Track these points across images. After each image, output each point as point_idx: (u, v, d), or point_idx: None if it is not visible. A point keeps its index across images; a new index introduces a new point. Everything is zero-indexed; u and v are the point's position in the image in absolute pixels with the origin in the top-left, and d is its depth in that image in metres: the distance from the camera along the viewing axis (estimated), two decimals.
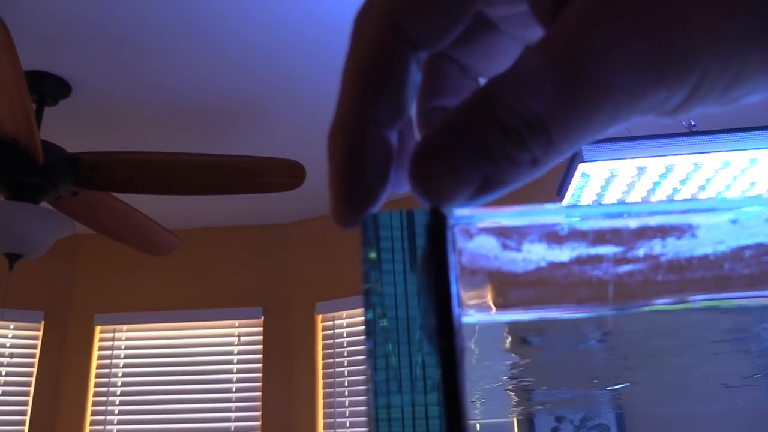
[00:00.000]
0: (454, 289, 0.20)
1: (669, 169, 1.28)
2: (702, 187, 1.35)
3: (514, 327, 0.22)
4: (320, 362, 3.19)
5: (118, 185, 2.12)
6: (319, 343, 3.22)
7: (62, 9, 1.85)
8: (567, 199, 1.39)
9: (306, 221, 3.43)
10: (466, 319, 0.21)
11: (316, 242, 3.38)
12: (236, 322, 3.33)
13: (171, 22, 1.92)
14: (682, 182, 1.33)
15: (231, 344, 3.31)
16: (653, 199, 1.37)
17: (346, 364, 3.13)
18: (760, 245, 0.22)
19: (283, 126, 2.54)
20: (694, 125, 1.34)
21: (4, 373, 3.18)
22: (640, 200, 1.39)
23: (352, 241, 3.26)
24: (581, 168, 1.28)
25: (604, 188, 1.35)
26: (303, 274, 3.35)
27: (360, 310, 3.13)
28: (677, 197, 1.36)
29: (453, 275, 0.20)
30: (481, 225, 0.21)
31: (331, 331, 3.21)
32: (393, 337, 0.20)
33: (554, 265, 0.21)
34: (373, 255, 0.22)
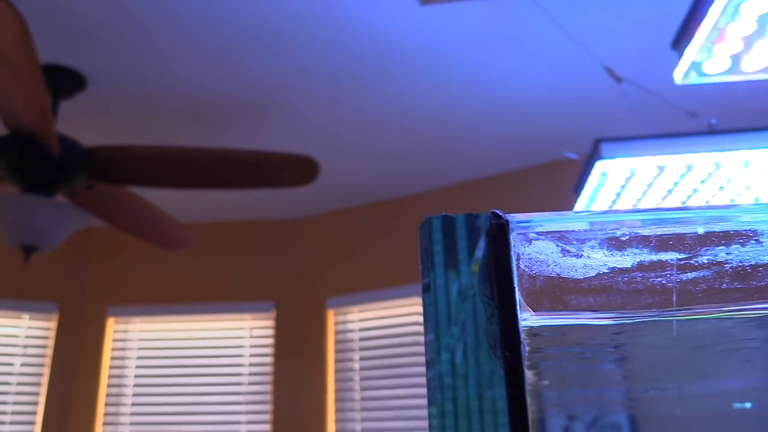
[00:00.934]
0: (517, 296, 0.19)
1: (689, 168, 1.27)
2: (722, 187, 1.34)
3: (570, 330, 0.22)
4: (331, 357, 3.19)
5: (133, 179, 2.13)
6: (331, 338, 3.22)
7: (78, 3, 1.86)
8: (584, 198, 1.38)
9: (318, 216, 3.43)
10: (524, 323, 0.20)
11: (328, 237, 3.38)
12: (248, 316, 3.34)
13: (187, 17, 1.92)
14: (702, 182, 1.31)
15: (242, 338, 3.32)
16: (672, 199, 1.36)
17: (357, 359, 3.13)
18: None
19: (296, 122, 2.54)
20: (715, 124, 1.32)
21: (18, 364, 3.20)
22: (657, 205, 1.38)
23: (365, 236, 3.27)
24: (599, 166, 1.27)
25: (622, 187, 1.33)
26: (315, 269, 3.36)
27: (371, 305, 3.14)
28: (696, 197, 1.35)
29: (516, 281, 0.19)
30: (540, 229, 0.21)
31: (343, 326, 3.22)
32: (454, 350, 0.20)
33: (616, 271, 0.20)
34: (436, 256, 0.21)
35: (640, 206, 1.40)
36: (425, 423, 2.88)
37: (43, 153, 1.94)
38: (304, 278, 3.36)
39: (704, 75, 0.96)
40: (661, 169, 1.26)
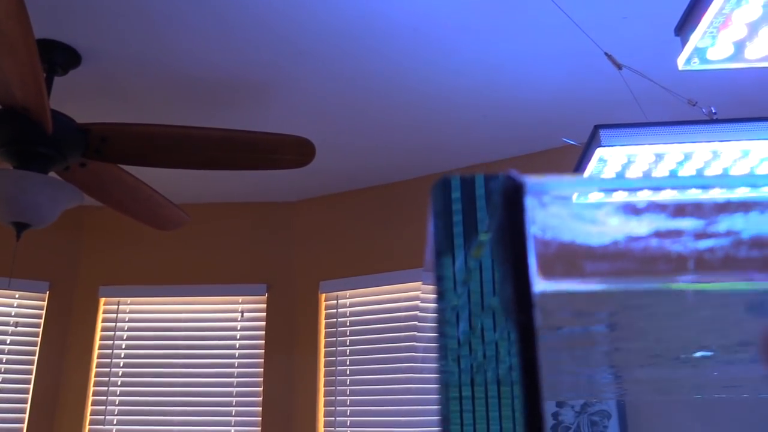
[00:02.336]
0: (531, 261, 0.19)
1: (687, 157, 1.27)
2: None
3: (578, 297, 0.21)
4: (322, 340, 3.20)
5: (128, 157, 2.11)
6: (322, 322, 3.23)
7: None
8: None
9: (312, 199, 3.42)
10: (538, 288, 0.20)
11: (321, 221, 3.37)
12: (240, 298, 3.34)
13: None
14: (700, 170, 1.31)
15: (234, 320, 3.32)
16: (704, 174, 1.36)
17: (348, 343, 3.14)
18: None
19: (293, 103, 2.52)
20: (715, 113, 1.32)
21: (8, 342, 3.19)
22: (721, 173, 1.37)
23: (359, 221, 3.26)
24: (598, 153, 1.27)
25: (620, 174, 1.33)
26: (308, 252, 3.35)
27: (363, 290, 3.14)
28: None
29: (530, 245, 0.19)
30: (555, 193, 0.21)
31: (334, 310, 3.22)
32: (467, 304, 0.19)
33: (631, 238, 0.20)
34: (456, 216, 0.21)
35: (639, 195, 1.40)
36: (414, 407, 2.89)
37: (36, 129, 1.92)
38: (297, 261, 3.36)
39: (707, 62, 0.96)
40: (659, 156, 1.25)
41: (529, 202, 0.20)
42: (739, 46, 0.93)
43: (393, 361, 2.99)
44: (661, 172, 1.29)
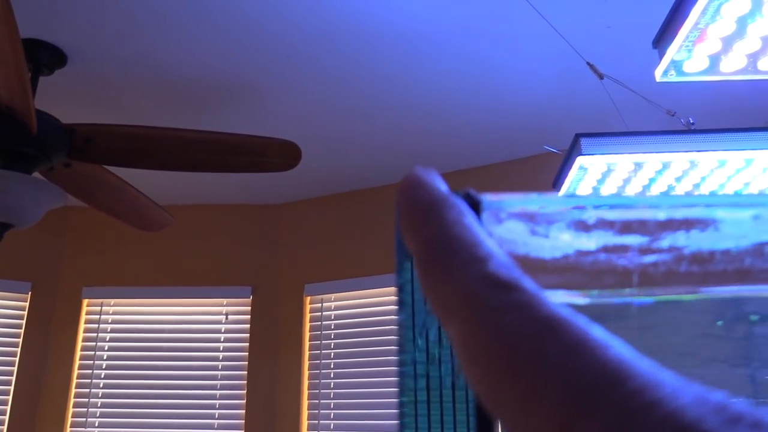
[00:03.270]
0: None
1: (665, 166, 1.29)
2: (697, 185, 1.36)
3: None
4: (307, 343, 3.20)
5: (112, 158, 2.11)
6: (307, 325, 3.23)
7: None
8: (563, 192, 1.40)
9: (298, 202, 3.43)
10: None
11: (307, 224, 3.38)
12: (224, 301, 3.33)
13: None
14: (678, 179, 1.34)
15: (218, 322, 3.31)
16: (649, 195, 1.38)
17: (332, 347, 3.14)
18: None
19: (279, 106, 2.53)
20: (693, 123, 1.35)
21: None
22: (665, 193, 1.40)
23: (344, 224, 3.27)
24: (579, 161, 1.29)
25: (600, 182, 1.35)
26: (293, 255, 3.36)
27: (348, 294, 3.15)
28: (672, 194, 1.37)
29: None
30: (510, 210, 0.22)
31: (319, 313, 3.22)
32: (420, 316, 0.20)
33: (581, 253, 0.21)
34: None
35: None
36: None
37: (21, 129, 1.91)
38: (282, 264, 3.36)
39: (684, 74, 0.98)
40: (638, 165, 1.28)
41: (486, 218, 0.21)
42: (715, 60, 0.95)
43: (377, 364, 3.00)
44: (639, 180, 1.32)
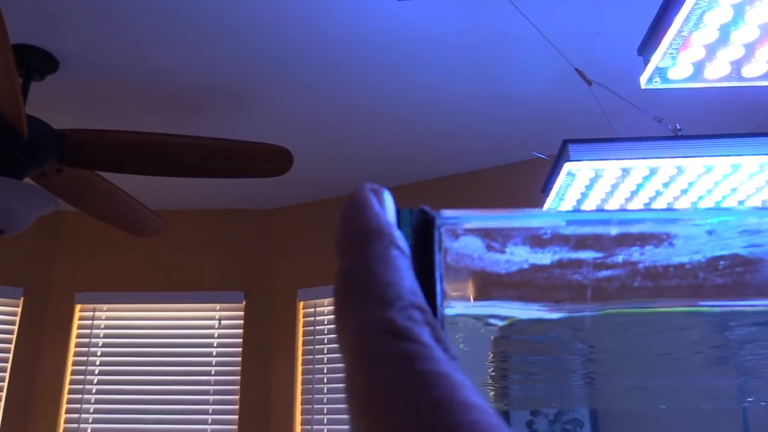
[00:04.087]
0: (438, 287, 0.20)
1: (653, 172, 1.30)
2: (684, 191, 1.37)
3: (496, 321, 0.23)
4: (300, 349, 3.20)
5: (104, 164, 2.11)
6: (300, 330, 3.23)
7: None
8: (551, 197, 1.40)
9: (291, 207, 3.43)
10: (448, 311, 0.22)
11: (300, 229, 3.38)
12: (217, 306, 3.33)
13: (163, 3, 1.90)
14: (665, 185, 1.34)
15: (211, 327, 3.31)
16: (636, 201, 1.39)
17: (325, 352, 3.14)
18: (734, 256, 0.23)
19: (271, 112, 2.53)
20: (680, 129, 1.35)
21: None
22: (621, 206, 1.40)
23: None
24: (567, 167, 1.29)
25: (588, 188, 1.36)
26: (286, 260, 3.35)
27: None
28: (660, 200, 1.38)
29: (438, 274, 0.21)
30: (467, 226, 0.22)
31: (312, 318, 3.22)
32: None
33: (536, 268, 0.22)
34: None
35: (605, 207, 1.43)
36: None
37: (12, 134, 1.91)
38: (276, 269, 3.36)
39: (668, 81, 0.99)
40: (625, 171, 1.28)
41: (443, 234, 0.22)
42: (699, 67, 0.96)
43: None
44: (627, 186, 1.32)
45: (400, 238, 0.21)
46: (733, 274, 0.22)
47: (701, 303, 0.23)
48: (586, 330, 0.22)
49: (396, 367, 0.17)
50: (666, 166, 1.25)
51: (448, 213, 0.22)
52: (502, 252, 0.22)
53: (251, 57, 2.17)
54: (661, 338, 0.25)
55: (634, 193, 1.37)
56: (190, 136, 2.09)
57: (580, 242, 0.22)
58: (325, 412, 3.05)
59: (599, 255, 0.22)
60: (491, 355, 0.29)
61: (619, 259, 0.22)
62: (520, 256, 0.22)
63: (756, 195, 1.37)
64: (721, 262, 0.23)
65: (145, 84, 2.34)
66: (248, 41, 2.09)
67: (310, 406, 3.08)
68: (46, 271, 3.36)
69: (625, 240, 0.22)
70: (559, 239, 0.22)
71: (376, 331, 0.18)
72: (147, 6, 1.92)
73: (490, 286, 0.22)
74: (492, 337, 0.26)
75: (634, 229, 0.22)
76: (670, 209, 0.26)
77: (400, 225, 0.22)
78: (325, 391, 3.08)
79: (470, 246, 0.22)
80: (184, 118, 2.56)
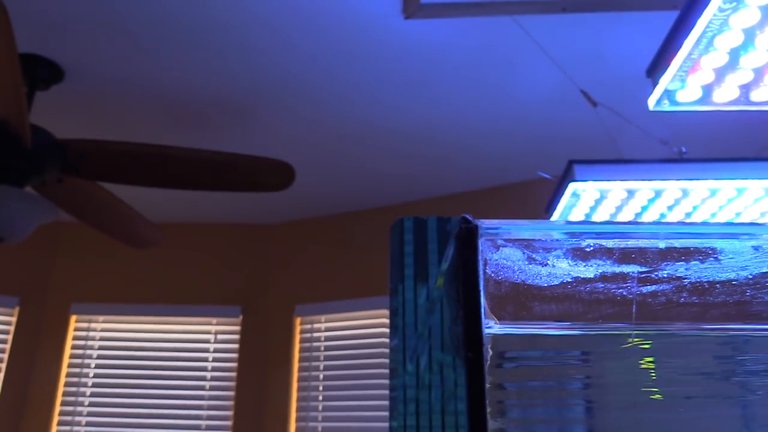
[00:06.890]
0: (482, 303, 0.20)
1: (658, 194, 1.30)
2: (688, 214, 1.37)
3: (533, 340, 0.22)
4: (296, 365, 3.17)
5: (105, 175, 2.10)
6: (296, 346, 3.20)
7: None
8: (555, 217, 1.40)
9: (290, 223, 3.42)
10: (488, 331, 0.21)
11: (299, 245, 3.37)
12: (213, 320, 3.30)
13: (170, 16, 1.91)
14: (670, 208, 1.34)
15: (207, 342, 3.28)
16: (646, 221, 1.38)
17: (321, 368, 3.11)
18: None
19: (274, 127, 2.53)
20: (685, 152, 1.35)
21: None
22: (665, 220, 1.40)
23: (335, 246, 3.26)
24: (572, 187, 1.29)
25: (592, 209, 1.36)
26: (284, 275, 3.34)
27: (339, 315, 3.13)
28: (670, 221, 1.37)
29: (482, 287, 0.20)
30: (508, 237, 0.22)
31: (309, 335, 3.20)
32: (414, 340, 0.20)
33: (579, 281, 0.21)
34: (407, 258, 0.22)
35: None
36: None
37: (15, 143, 1.90)
38: (273, 284, 3.34)
39: (677, 104, 0.99)
40: (630, 193, 1.28)
41: (483, 244, 0.21)
42: (708, 90, 0.96)
43: (367, 387, 2.98)
44: (632, 208, 1.32)
45: None
46: None
47: (751, 327, 0.22)
48: (633, 352, 0.21)
49: None
50: (671, 188, 1.25)
51: (488, 222, 0.22)
52: (544, 264, 0.21)
53: (254, 73, 2.18)
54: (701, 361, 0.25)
55: (638, 215, 1.37)
56: (193, 148, 2.09)
57: (625, 256, 0.21)
58: (319, 430, 3.02)
59: (644, 269, 0.21)
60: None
61: (665, 273, 0.21)
62: (562, 268, 0.21)
63: (760, 220, 1.37)
64: None
65: (150, 96, 2.34)
66: (251, 58, 2.09)
67: (305, 424, 3.05)
68: (42, 280, 3.34)
69: (670, 254, 0.22)
70: (602, 252, 0.21)
71: None
72: (153, 19, 1.93)
73: (531, 299, 0.21)
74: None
75: (679, 242, 0.22)
76: (714, 223, 0.25)
77: (441, 232, 0.21)
78: (320, 409, 3.05)
79: (511, 257, 0.21)
80: (187, 130, 2.56)
